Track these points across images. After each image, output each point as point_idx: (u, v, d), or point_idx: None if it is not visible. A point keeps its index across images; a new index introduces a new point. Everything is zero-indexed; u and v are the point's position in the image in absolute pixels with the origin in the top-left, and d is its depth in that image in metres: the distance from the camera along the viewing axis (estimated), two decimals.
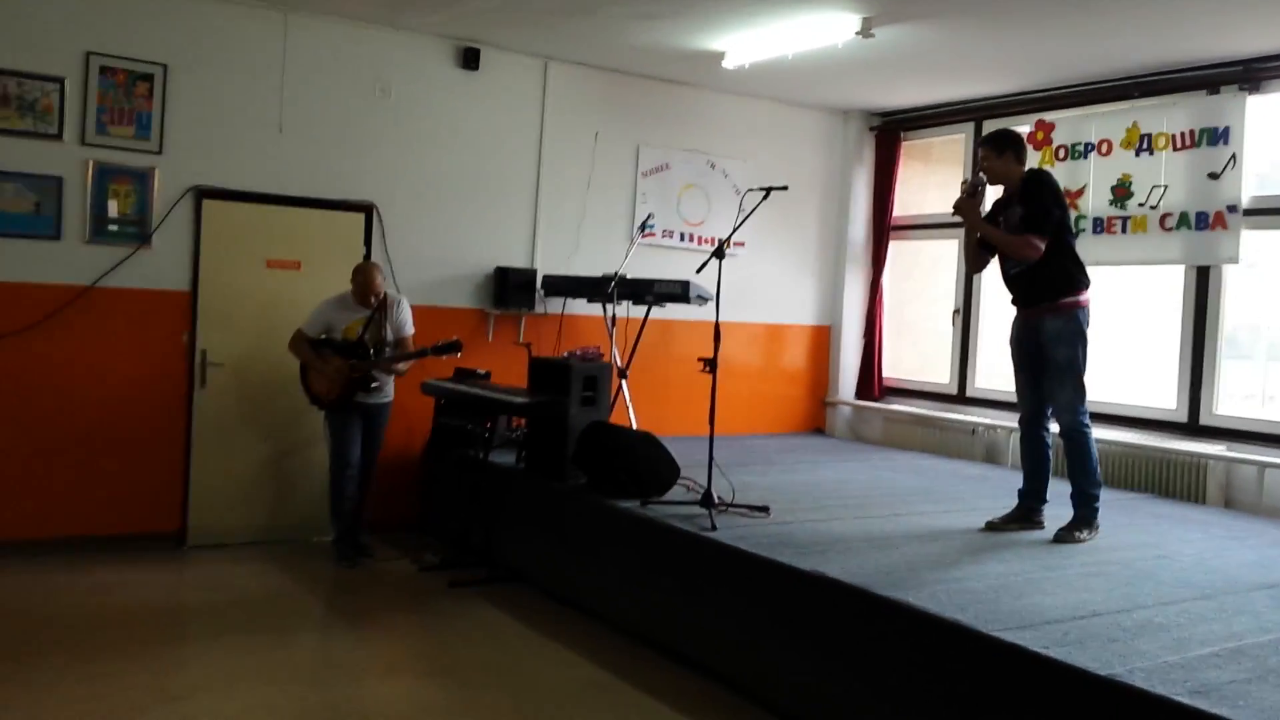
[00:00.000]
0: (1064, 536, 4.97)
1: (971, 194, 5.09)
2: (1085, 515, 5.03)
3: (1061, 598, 3.94)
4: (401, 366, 6.19)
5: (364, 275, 6.12)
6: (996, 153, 5.05)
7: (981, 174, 5.12)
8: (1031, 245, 4.89)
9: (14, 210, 5.91)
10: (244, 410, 6.57)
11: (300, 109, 6.66)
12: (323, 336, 6.11)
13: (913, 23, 6.05)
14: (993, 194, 5.28)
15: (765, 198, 5.40)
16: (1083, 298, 4.99)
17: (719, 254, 5.27)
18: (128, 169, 6.18)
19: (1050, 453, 5.23)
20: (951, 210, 5.22)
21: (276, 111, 6.59)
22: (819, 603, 4.07)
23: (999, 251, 5.11)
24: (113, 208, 6.15)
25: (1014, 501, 5.26)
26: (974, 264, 5.30)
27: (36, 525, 6.02)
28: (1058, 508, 5.17)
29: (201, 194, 6.39)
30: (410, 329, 6.28)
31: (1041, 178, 5.08)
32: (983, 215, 5.17)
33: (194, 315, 6.40)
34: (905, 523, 5.21)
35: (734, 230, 5.52)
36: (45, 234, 5.99)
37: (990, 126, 7.95)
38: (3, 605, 5.18)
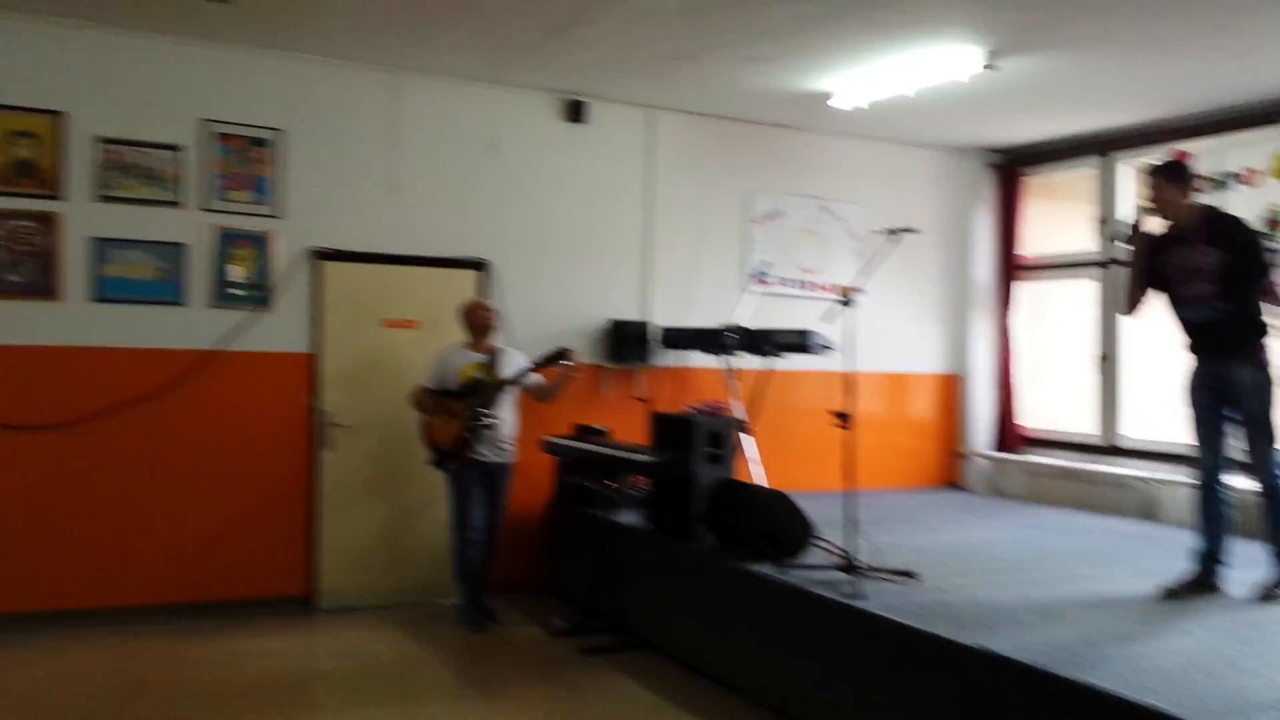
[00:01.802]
0: (1270, 593, 4.55)
1: (1137, 228, 4.76)
2: None
3: (1266, 677, 3.52)
4: (534, 380, 6.07)
5: (474, 307, 6.12)
6: (1173, 184, 4.68)
7: (1147, 206, 4.75)
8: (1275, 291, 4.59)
9: (139, 277, 5.98)
10: (367, 471, 6.50)
11: (412, 168, 6.64)
12: (440, 386, 6.03)
13: (1038, 54, 5.75)
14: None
15: (894, 238, 5.13)
16: (1265, 342, 4.63)
17: (845, 302, 5.00)
18: (247, 233, 6.22)
19: (1230, 510, 4.79)
20: (1125, 243, 4.87)
21: (389, 172, 6.58)
22: (986, 682, 3.71)
23: (1175, 295, 4.74)
24: (234, 272, 6.19)
25: (1182, 563, 4.84)
26: (1134, 304, 4.90)
27: (166, 590, 6.03)
28: (1244, 570, 4.74)
29: (319, 256, 6.39)
30: None
31: (1240, 219, 4.72)
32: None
33: (315, 376, 6.37)
34: (1068, 589, 4.81)
35: (865, 275, 5.25)
36: (169, 299, 6.05)
37: (1120, 159, 7.61)
38: (137, 674, 5.13)
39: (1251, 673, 3.58)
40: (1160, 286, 4.81)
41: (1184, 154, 6.93)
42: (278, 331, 6.30)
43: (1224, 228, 4.66)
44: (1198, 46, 5.57)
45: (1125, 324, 7.56)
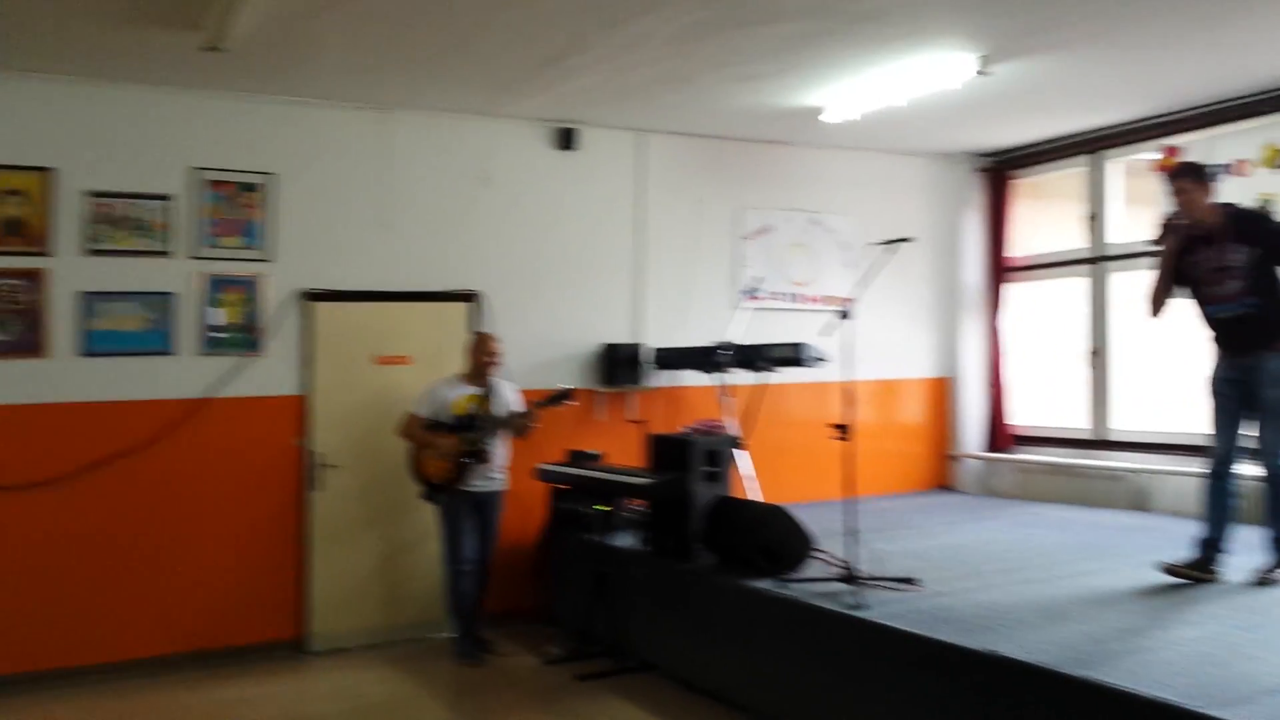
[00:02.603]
0: (1267, 578, 4.62)
1: (1176, 230, 4.79)
2: None
3: (1271, 662, 3.54)
4: (518, 423, 6.04)
5: (480, 342, 6.13)
6: (1198, 185, 4.75)
7: (1178, 211, 4.80)
8: None
9: (128, 329, 5.98)
10: (358, 509, 6.49)
11: (403, 204, 6.67)
12: (433, 419, 6.02)
13: (1030, 56, 5.75)
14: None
15: (890, 248, 5.14)
16: None
17: (844, 314, 5.02)
18: (237, 279, 6.23)
19: (1237, 500, 4.82)
20: (1159, 245, 4.92)
21: (381, 209, 6.61)
22: (996, 687, 3.71)
23: (1205, 294, 4.80)
24: (221, 316, 6.18)
25: (1178, 551, 4.87)
26: (1162, 305, 4.96)
27: (155, 642, 5.97)
28: (1242, 557, 4.77)
29: (310, 297, 6.40)
30: (519, 407, 6.16)
31: (1266, 213, 4.82)
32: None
33: (306, 418, 6.38)
34: (1069, 586, 4.81)
35: (863, 287, 5.25)
36: (158, 349, 6.05)
37: (1109, 156, 7.65)
38: None
39: (1257, 658, 3.59)
40: (1188, 286, 4.86)
41: (1173, 148, 6.98)
42: (268, 375, 6.30)
43: (1250, 223, 4.73)
44: (1185, 42, 5.59)
45: (1115, 318, 7.59)
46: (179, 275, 6.11)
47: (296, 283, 6.37)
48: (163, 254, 6.06)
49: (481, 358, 6.10)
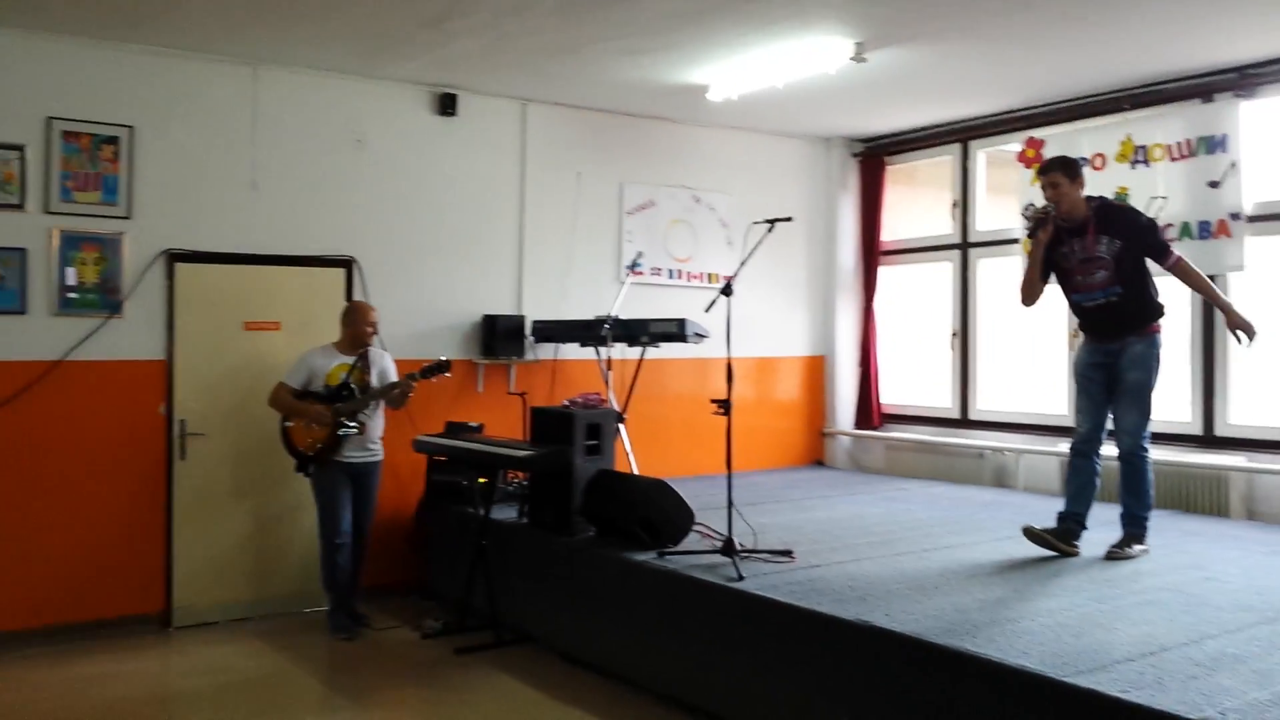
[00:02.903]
0: (1117, 554, 4.88)
1: (1044, 222, 4.95)
2: (1136, 532, 4.96)
3: (1124, 632, 3.73)
4: (395, 395, 5.91)
5: (358, 311, 5.98)
6: (1071, 179, 4.93)
7: (1049, 205, 4.95)
8: (1179, 259, 4.88)
9: None
10: (227, 480, 6.26)
11: (274, 164, 6.41)
12: (305, 389, 5.86)
13: (905, 46, 5.92)
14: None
15: (770, 230, 5.21)
16: (1160, 324, 4.97)
17: (727, 291, 5.06)
18: (95, 236, 5.90)
19: (1098, 480, 5.07)
20: (1025, 238, 5.16)
21: (249, 169, 6.34)
22: (868, 655, 3.82)
23: (1073, 283, 5.00)
24: (77, 275, 5.85)
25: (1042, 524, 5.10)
26: (1035, 294, 5.13)
27: (13, 616, 5.66)
28: (1098, 532, 5.01)
29: (173, 258, 6.11)
30: (395, 378, 6.03)
31: (1128, 205, 5.04)
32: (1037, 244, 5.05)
33: (170, 384, 6.10)
34: (937, 559, 4.99)
35: (742, 264, 5.30)
36: (10, 309, 5.68)
37: (978, 146, 7.92)
38: None
39: (1110, 628, 3.78)
40: (1057, 276, 5.07)
41: (1037, 140, 7.26)
42: (129, 339, 5.99)
43: (1117, 217, 4.96)
44: (1049, 38, 5.81)
45: (980, 303, 7.88)
46: (32, 230, 5.74)
47: (159, 242, 6.07)
48: (14, 207, 5.69)
49: (359, 327, 5.94)
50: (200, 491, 6.17)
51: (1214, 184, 6.30)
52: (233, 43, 5.98)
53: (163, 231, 6.08)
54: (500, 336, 7.01)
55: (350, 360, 5.93)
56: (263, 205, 6.38)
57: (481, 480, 5.98)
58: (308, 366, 5.88)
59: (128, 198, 5.98)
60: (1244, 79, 6.25)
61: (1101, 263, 4.90)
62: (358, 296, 6.58)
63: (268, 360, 6.23)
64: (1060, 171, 4.94)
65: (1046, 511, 5.31)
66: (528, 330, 7.14)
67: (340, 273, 6.63)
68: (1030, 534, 4.99)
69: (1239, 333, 4.79)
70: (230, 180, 6.29)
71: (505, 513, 6.14)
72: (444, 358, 5.93)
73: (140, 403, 6.04)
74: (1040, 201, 5.05)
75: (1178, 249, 4.95)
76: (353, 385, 5.84)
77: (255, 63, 6.30)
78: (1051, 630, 3.75)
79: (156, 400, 6.08)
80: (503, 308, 7.19)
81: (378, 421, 6.01)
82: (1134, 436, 4.93)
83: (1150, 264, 4.96)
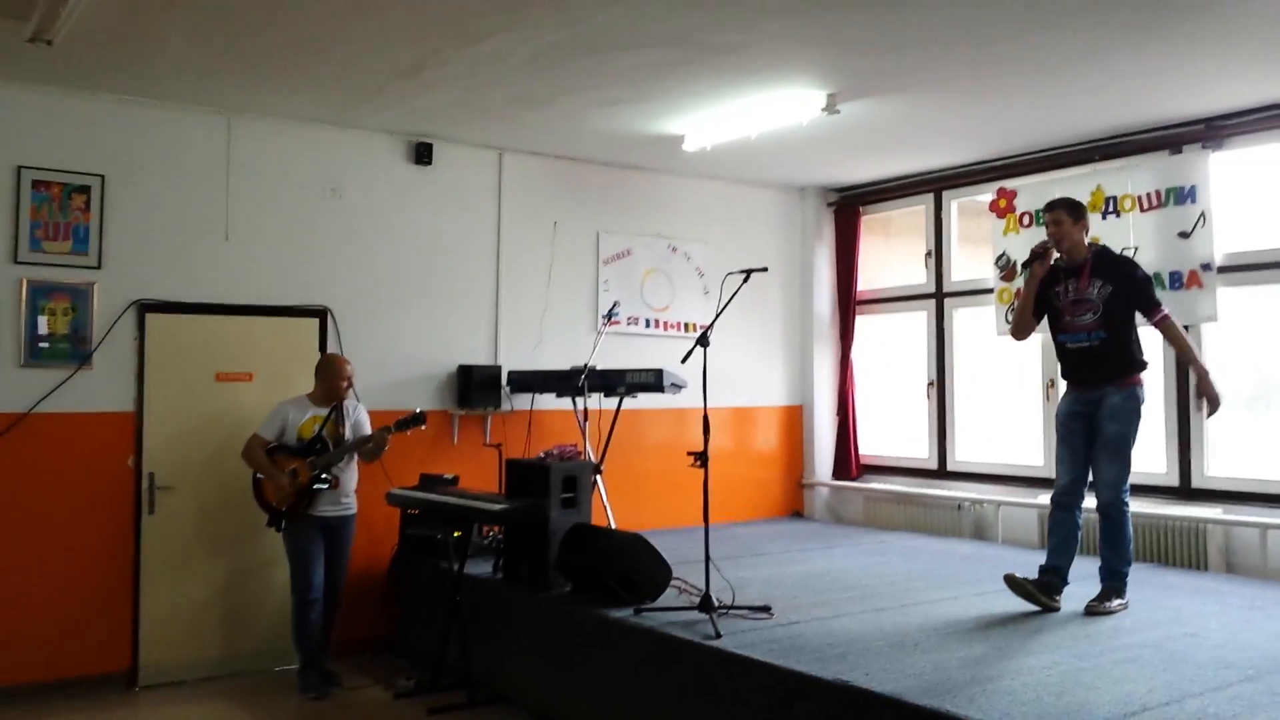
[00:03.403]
0: (1096, 609, 4.84)
1: (1041, 257, 5.04)
2: (1115, 586, 4.93)
3: (1105, 691, 3.68)
4: (368, 448, 5.84)
5: (333, 365, 5.91)
6: (1074, 219, 5.01)
7: (1050, 240, 5.04)
8: (1166, 316, 4.93)
9: None
10: (197, 534, 6.14)
11: (247, 214, 6.37)
12: (278, 442, 5.77)
13: (877, 97, 5.97)
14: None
15: (745, 280, 5.20)
16: (1142, 377, 5.00)
17: (703, 341, 5.03)
18: (65, 285, 5.83)
19: (1079, 533, 5.05)
20: (1022, 269, 5.30)
21: (222, 218, 6.30)
22: (848, 716, 3.75)
23: (1062, 323, 5.06)
24: (46, 325, 5.76)
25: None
26: (1026, 329, 5.22)
27: None
28: (1079, 586, 4.99)
29: (144, 308, 6.04)
30: (369, 430, 5.95)
31: (1124, 256, 5.12)
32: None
33: (140, 436, 6.00)
34: (917, 614, 4.93)
35: (718, 315, 5.28)
36: None
37: (951, 196, 7.97)
38: None
39: (1092, 687, 3.73)
40: (1048, 315, 5.13)
41: (1009, 191, 7.32)
42: (98, 390, 5.90)
43: (1113, 263, 5.03)
44: (1023, 90, 5.87)
45: (956, 351, 7.89)
46: (0, 280, 5.67)
47: (130, 292, 6.00)
48: None
49: (334, 381, 5.87)
50: (169, 546, 6.05)
51: (1184, 234, 6.36)
52: (206, 92, 5.96)
53: (134, 281, 6.01)
54: (476, 387, 6.94)
55: (324, 412, 5.86)
56: (236, 255, 6.33)
57: (456, 534, 5.89)
58: (281, 418, 5.80)
59: (98, 247, 5.92)
60: (1211, 130, 6.34)
61: (1090, 305, 4.95)
62: (332, 346, 6.52)
63: (240, 412, 6.14)
64: (1064, 210, 5.03)
65: (1025, 564, 5.27)
66: (504, 380, 7.09)
67: (314, 323, 6.57)
68: (1012, 583, 4.96)
69: (1204, 401, 4.88)
70: (203, 230, 6.24)
71: (480, 567, 6.05)
72: (419, 410, 5.88)
73: (109, 455, 5.93)
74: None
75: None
76: (326, 438, 5.77)
77: (229, 112, 6.28)
78: (1033, 689, 3.70)
79: (125, 453, 5.98)
80: (478, 358, 7.14)
81: (351, 474, 5.92)
82: (1113, 490, 4.92)
83: (1139, 319, 5.02)
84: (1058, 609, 4.90)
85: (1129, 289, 4.94)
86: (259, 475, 5.78)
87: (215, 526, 6.17)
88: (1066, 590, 4.98)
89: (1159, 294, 6.25)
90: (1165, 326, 4.94)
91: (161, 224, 6.11)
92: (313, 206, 6.59)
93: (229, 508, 6.12)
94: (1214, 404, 4.84)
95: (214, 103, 6.16)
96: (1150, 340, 5.18)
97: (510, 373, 7.09)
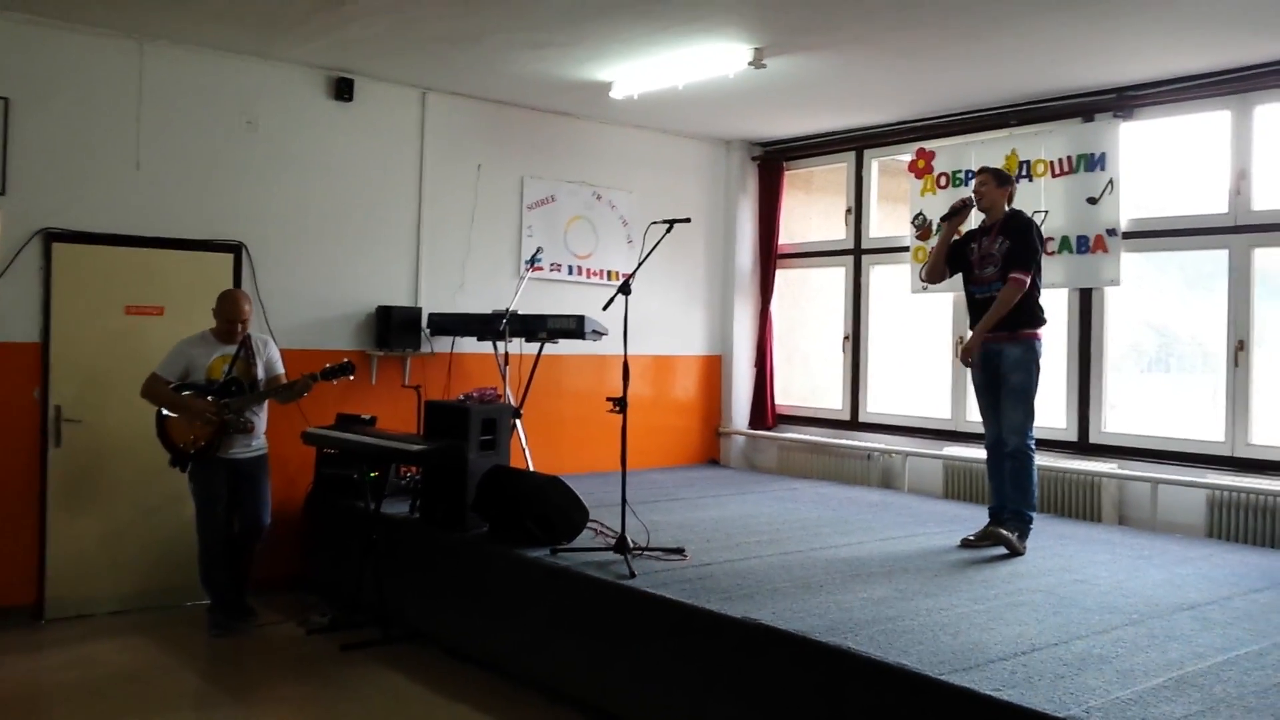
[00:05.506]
0: (970, 542, 5.30)
1: (961, 210, 5.45)
2: (1020, 528, 5.30)
3: (998, 632, 3.87)
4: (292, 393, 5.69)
5: (229, 301, 5.67)
6: (998, 184, 5.39)
7: (972, 196, 5.44)
8: (1019, 281, 5.17)
9: None
10: (105, 468, 6.03)
11: (160, 144, 6.19)
12: (182, 381, 5.60)
13: (803, 54, 6.03)
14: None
15: (669, 230, 5.24)
16: (1040, 332, 5.31)
17: (625, 289, 5.08)
18: None
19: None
20: (939, 219, 5.64)
21: (134, 147, 6.11)
22: (754, 652, 3.89)
23: (970, 275, 5.41)
24: None
25: (921, 527, 5.40)
26: (937, 274, 5.60)
27: None
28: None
29: (51, 237, 5.85)
30: (281, 368, 5.85)
31: (1030, 220, 5.38)
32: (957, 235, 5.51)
33: (45, 369, 5.85)
34: (823, 557, 5.10)
35: (640, 264, 5.33)
36: None
37: (872, 155, 8.10)
38: None
39: (985, 628, 3.91)
40: (963, 269, 5.48)
41: (928, 152, 7.47)
42: (2, 320, 5.73)
43: (1016, 223, 5.34)
44: (945, 53, 5.99)
45: (871, 306, 8.07)
46: None
47: (34, 221, 5.81)
48: None
49: (226, 322, 5.66)
50: (76, 479, 5.94)
51: (1092, 200, 6.58)
52: (118, 14, 5.75)
53: (40, 209, 5.82)
54: (395, 328, 6.89)
55: (231, 350, 5.68)
56: (147, 185, 6.15)
57: (373, 474, 5.89)
58: (185, 357, 5.61)
59: (2, 173, 5.71)
60: (1123, 100, 6.54)
61: (993, 259, 5.30)
62: (246, 283, 6.40)
63: (150, 345, 5.99)
64: (991, 175, 5.43)
65: (931, 513, 5.47)
66: (424, 322, 7.05)
67: (228, 258, 6.44)
68: (967, 545, 5.33)
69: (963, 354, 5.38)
70: (113, 158, 6.05)
71: (397, 507, 6.06)
72: (346, 359, 5.77)
73: (13, 387, 5.78)
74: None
75: (1056, 262, 5.29)
76: (239, 380, 5.67)
77: (142, 37, 6.07)
78: (930, 629, 3.87)
79: (31, 384, 5.83)
80: (399, 299, 7.08)
81: (262, 415, 5.83)
82: (1020, 435, 5.28)
83: (1044, 276, 5.34)
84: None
85: (1015, 245, 5.23)
86: (165, 413, 5.63)
87: (124, 460, 6.06)
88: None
89: (1063, 257, 6.58)
90: (1007, 288, 5.19)
91: (70, 151, 5.91)
92: (228, 138, 6.43)
93: (139, 441, 5.97)
94: (963, 360, 5.42)
95: (126, 26, 5.94)
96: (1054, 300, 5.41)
97: (431, 315, 7.06)
